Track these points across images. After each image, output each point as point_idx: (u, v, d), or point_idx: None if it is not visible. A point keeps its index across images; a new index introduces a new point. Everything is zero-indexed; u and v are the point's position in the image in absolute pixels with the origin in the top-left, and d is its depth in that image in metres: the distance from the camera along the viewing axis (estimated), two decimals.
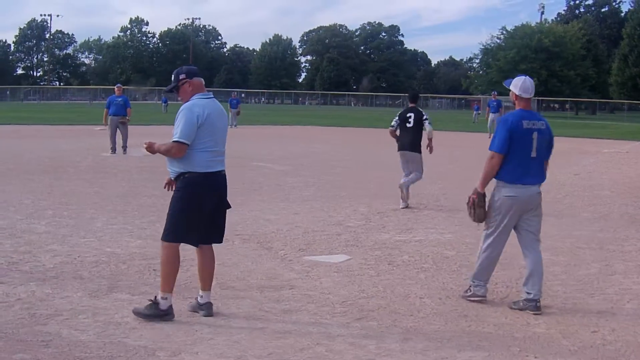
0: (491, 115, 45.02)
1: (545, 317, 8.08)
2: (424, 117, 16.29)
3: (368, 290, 9.08)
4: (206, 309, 7.86)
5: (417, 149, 16.19)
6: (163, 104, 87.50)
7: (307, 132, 48.79)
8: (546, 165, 8.69)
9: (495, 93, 51.83)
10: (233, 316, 7.85)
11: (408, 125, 16.13)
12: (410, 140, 16.14)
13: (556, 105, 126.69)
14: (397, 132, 16.34)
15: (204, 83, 7.93)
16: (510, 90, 8.64)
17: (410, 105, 16.80)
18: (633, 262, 11.05)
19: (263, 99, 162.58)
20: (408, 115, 16.21)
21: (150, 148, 7.81)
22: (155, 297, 7.68)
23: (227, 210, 7.96)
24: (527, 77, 8.70)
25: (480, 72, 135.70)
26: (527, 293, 8.33)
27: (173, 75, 7.92)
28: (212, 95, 7.91)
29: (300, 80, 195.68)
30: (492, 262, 8.62)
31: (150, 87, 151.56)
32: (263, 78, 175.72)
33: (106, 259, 10.34)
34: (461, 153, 33.03)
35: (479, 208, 8.54)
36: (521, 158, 8.31)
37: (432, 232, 13.12)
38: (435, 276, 9.93)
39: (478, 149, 32.96)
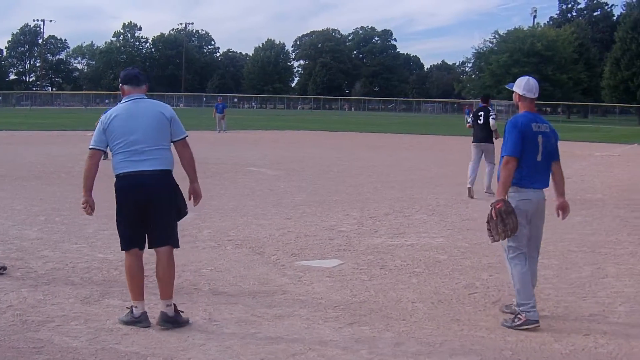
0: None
1: None
2: (491, 114, 19.38)
3: (360, 295, 9.08)
4: (158, 317, 7.63)
5: (489, 140, 19.28)
6: None
7: (299, 137, 48.78)
8: (559, 167, 8.44)
9: None
10: (225, 321, 7.83)
11: (479, 122, 19.35)
12: (483, 134, 19.35)
13: (548, 109, 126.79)
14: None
15: (139, 85, 7.92)
16: (513, 92, 8.37)
17: (482, 105, 20.06)
18: (625, 265, 11.04)
19: (256, 103, 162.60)
20: (479, 113, 19.48)
21: None
22: (132, 305, 7.70)
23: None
24: (531, 77, 8.48)
25: (473, 76, 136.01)
26: None
27: None
28: (138, 97, 7.82)
29: (293, 85, 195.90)
30: (526, 275, 8.03)
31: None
32: (256, 83, 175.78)
33: (98, 265, 10.34)
34: (454, 157, 33.04)
35: (508, 215, 7.90)
36: (530, 162, 8.03)
37: (424, 237, 13.10)
38: (428, 280, 9.92)
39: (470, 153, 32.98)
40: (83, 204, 7.84)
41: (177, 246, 7.82)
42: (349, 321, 7.96)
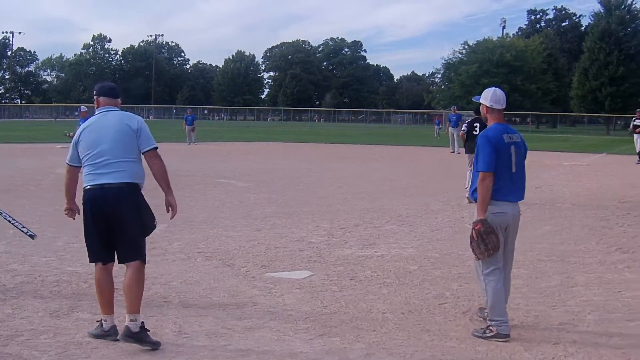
0: (451, 130, 45.25)
1: None
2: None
3: (331, 306, 9.08)
4: (122, 332, 7.48)
5: None
6: None
7: (269, 149, 48.71)
8: None
9: (455, 107, 52.12)
10: (195, 334, 7.81)
11: (474, 132, 19.24)
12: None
13: (517, 119, 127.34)
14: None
15: (114, 97, 7.96)
16: (481, 104, 8.31)
17: (476, 116, 19.83)
18: (594, 274, 11.11)
19: (226, 115, 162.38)
20: (475, 125, 19.69)
21: None
22: (102, 318, 7.64)
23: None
24: (497, 88, 8.42)
25: (442, 87, 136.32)
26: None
27: None
28: (109, 109, 7.81)
29: (263, 96, 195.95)
30: (500, 291, 7.98)
31: None
32: (226, 94, 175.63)
33: (67, 279, 10.28)
34: (423, 168, 33.15)
35: (488, 235, 7.83)
36: (504, 174, 7.93)
37: (394, 247, 13.12)
38: (398, 291, 9.93)
39: (440, 164, 33.12)
40: (65, 210, 7.94)
41: (145, 261, 7.65)
42: (320, 332, 7.96)
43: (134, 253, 7.54)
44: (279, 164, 33.73)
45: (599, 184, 25.59)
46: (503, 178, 7.93)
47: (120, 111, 7.87)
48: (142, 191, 7.68)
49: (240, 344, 7.52)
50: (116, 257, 7.65)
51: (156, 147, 7.75)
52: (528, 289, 10.06)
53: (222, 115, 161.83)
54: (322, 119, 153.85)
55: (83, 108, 31.70)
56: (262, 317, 8.53)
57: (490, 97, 8.19)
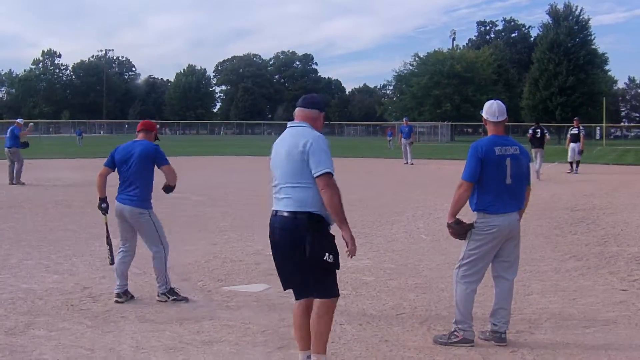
0: (403, 141, 45.29)
1: None
2: (545, 131, 34.94)
3: (288, 319, 9.04)
4: None
5: (542, 146, 34.21)
6: (78, 136, 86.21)
7: (223, 162, 48.51)
8: (528, 191, 8.34)
9: (407, 119, 52.35)
10: (153, 349, 7.77)
11: (537, 136, 34.23)
12: (539, 143, 34.05)
13: (469, 130, 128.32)
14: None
15: (306, 108, 7.28)
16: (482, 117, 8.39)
17: (536, 124, 35.65)
18: (549, 282, 11.21)
19: (178, 129, 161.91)
20: (537, 130, 34.55)
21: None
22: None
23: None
24: (497, 100, 8.50)
25: (394, 99, 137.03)
26: (494, 325, 8.20)
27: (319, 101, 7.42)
28: (298, 124, 7.18)
29: (215, 110, 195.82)
30: (470, 296, 8.13)
31: (64, 119, 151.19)
32: (178, 109, 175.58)
33: (23, 296, 10.17)
34: (378, 179, 33.21)
35: (459, 235, 8.12)
36: (497, 186, 7.93)
37: (349, 259, 13.09)
38: (355, 302, 9.95)
39: (394, 175, 33.14)
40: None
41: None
42: (278, 345, 7.96)
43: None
44: (233, 178, 33.65)
45: (552, 193, 25.78)
46: (494, 191, 7.96)
47: (302, 127, 7.08)
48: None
49: (198, 358, 7.50)
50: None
51: (326, 173, 6.77)
52: (484, 297, 10.07)
53: (175, 129, 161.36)
54: (272, 133, 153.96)
55: (20, 120, 31.90)
56: (220, 331, 8.51)
57: (486, 109, 8.35)
